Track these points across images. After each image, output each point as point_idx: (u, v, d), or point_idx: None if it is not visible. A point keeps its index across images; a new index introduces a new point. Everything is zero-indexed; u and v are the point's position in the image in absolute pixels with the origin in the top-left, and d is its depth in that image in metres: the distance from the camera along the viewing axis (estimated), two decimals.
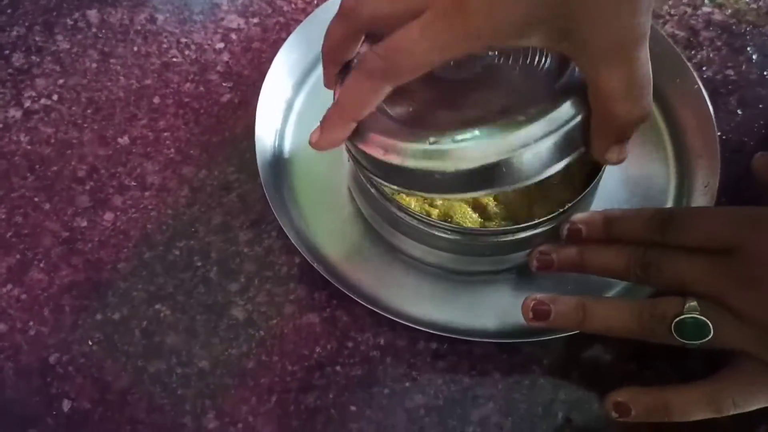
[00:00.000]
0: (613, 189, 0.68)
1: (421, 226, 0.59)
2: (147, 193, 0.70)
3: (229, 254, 0.63)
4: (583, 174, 0.63)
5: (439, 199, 0.64)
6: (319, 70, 0.74)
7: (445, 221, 0.60)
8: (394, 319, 0.60)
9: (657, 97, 0.65)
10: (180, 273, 0.65)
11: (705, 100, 0.69)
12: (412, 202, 0.63)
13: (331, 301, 0.63)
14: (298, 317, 0.63)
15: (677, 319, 0.46)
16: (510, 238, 0.59)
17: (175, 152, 0.73)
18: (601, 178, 0.58)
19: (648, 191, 0.70)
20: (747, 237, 0.46)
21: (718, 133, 0.68)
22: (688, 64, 0.71)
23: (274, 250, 0.66)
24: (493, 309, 0.63)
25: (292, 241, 0.62)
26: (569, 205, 0.58)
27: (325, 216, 0.68)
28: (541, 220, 0.58)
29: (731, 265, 0.46)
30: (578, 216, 0.56)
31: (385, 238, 0.66)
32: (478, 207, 0.64)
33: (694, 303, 0.46)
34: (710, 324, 0.45)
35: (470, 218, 0.63)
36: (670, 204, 0.68)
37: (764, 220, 0.47)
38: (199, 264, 0.65)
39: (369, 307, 0.57)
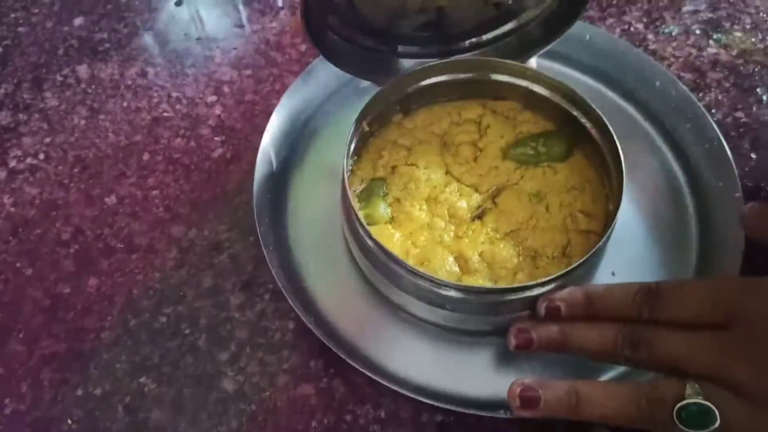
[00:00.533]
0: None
1: (421, 282, 0.55)
2: (134, 256, 0.67)
3: (219, 320, 0.60)
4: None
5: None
6: (317, 124, 0.72)
7: (429, 275, 0.56)
8: (397, 389, 0.55)
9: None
10: (167, 341, 0.61)
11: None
12: (396, 235, 0.61)
13: (328, 370, 0.59)
14: (292, 388, 0.59)
15: (679, 405, 0.41)
16: (520, 296, 0.55)
17: (163, 211, 0.70)
18: (603, 247, 0.56)
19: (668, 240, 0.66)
20: (748, 306, 0.42)
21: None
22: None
23: (267, 314, 0.62)
24: (503, 375, 0.59)
25: (289, 301, 0.58)
26: (587, 256, 0.54)
27: (323, 275, 0.65)
28: (558, 274, 0.54)
29: (733, 339, 0.42)
30: (558, 293, 0.52)
31: (385, 295, 0.63)
32: (460, 258, 0.61)
33: (695, 386, 0.41)
34: (715, 410, 0.41)
35: (448, 267, 0.60)
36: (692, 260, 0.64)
37: (765, 287, 0.43)
38: (187, 332, 0.62)
39: (369, 375, 0.53)
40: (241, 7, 0.87)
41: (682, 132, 0.71)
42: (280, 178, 0.69)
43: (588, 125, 0.65)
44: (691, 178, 0.69)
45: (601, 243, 0.56)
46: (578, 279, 0.58)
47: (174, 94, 0.78)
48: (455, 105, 0.72)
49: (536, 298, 0.56)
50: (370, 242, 0.57)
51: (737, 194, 0.64)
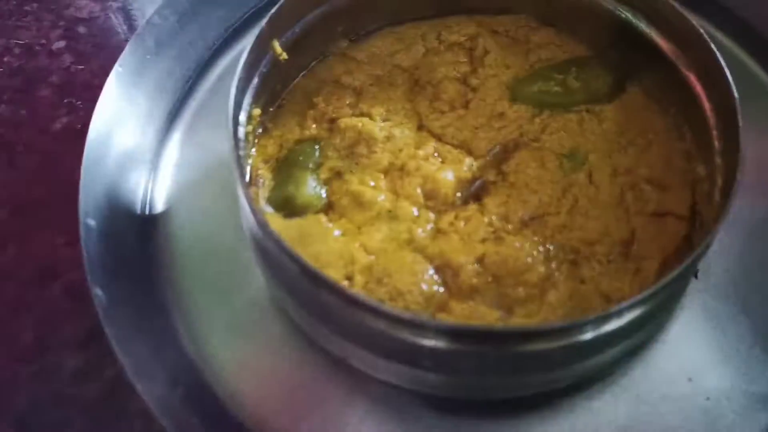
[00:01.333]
0: None
1: (371, 322, 0.30)
2: None
3: (43, 400, 0.36)
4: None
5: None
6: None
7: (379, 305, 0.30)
8: None
9: None
10: None
11: None
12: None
13: None
14: None
15: None
16: (558, 343, 0.29)
17: None
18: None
19: None
20: None
21: None
22: None
23: (120, 388, 0.36)
24: None
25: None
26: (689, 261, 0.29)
27: (217, 317, 0.38)
28: (637, 299, 0.28)
29: None
30: None
31: (318, 343, 0.37)
32: (445, 268, 0.35)
33: None
34: None
35: (424, 286, 0.35)
36: None
37: None
38: None
39: None
40: None
41: None
42: (147, 157, 0.43)
43: (655, 36, 0.39)
44: None
45: (715, 232, 0.30)
46: (665, 301, 0.33)
47: (1, 41, 0.52)
48: (432, 23, 0.46)
49: (590, 343, 0.29)
50: (274, 247, 0.31)
51: None
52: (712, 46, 0.35)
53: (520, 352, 0.30)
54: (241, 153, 0.35)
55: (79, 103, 0.49)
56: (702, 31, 0.36)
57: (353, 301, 0.29)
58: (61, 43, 0.52)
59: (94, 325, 0.38)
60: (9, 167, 0.46)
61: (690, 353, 0.36)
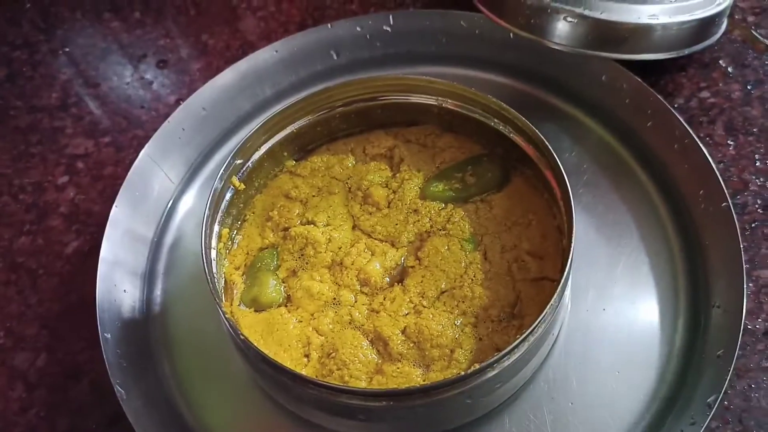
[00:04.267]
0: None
1: (313, 391, 0.42)
2: None
3: None
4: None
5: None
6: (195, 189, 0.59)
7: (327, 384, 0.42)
8: None
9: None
10: None
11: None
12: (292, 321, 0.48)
13: None
14: None
15: None
16: (458, 390, 0.41)
17: (4, 336, 0.55)
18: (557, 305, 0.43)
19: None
20: None
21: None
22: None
23: None
24: None
25: None
26: (542, 315, 0.41)
27: (210, 394, 0.50)
28: (510, 348, 0.41)
29: None
30: None
31: (290, 410, 0.48)
32: (378, 340, 0.47)
33: None
34: None
35: (363, 356, 0.47)
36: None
37: None
38: None
39: None
40: (98, 61, 0.73)
41: (643, 132, 0.58)
42: (140, 272, 0.55)
43: (522, 143, 0.52)
44: (664, 188, 0.56)
45: (555, 296, 0.42)
46: (538, 345, 0.45)
47: (16, 182, 0.64)
48: (358, 139, 0.58)
49: (486, 384, 0.41)
50: (240, 341, 0.43)
51: (723, 204, 0.50)
52: (554, 155, 0.48)
53: (434, 400, 0.42)
54: (215, 273, 0.47)
55: (84, 228, 0.61)
56: (547, 143, 0.49)
57: (304, 381, 0.41)
58: (65, 178, 0.64)
59: (116, 412, 0.50)
60: (33, 290, 0.58)
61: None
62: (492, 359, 0.41)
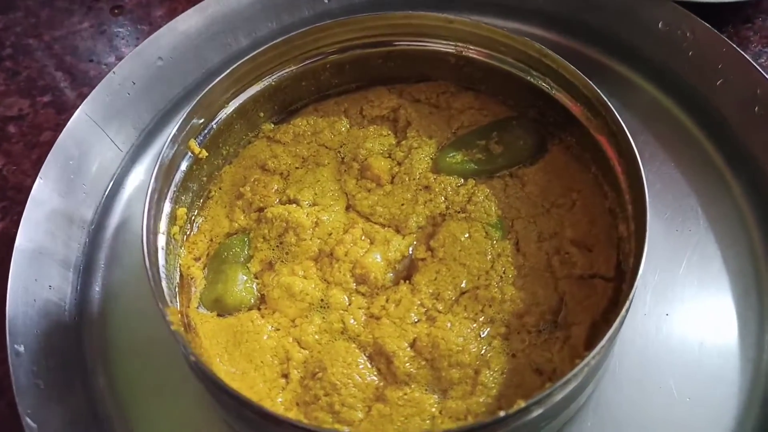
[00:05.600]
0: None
1: None
2: None
3: None
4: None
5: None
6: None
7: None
8: None
9: None
10: None
11: None
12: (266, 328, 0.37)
13: None
14: None
15: None
16: None
17: None
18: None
19: None
20: None
21: None
22: None
23: None
24: None
25: None
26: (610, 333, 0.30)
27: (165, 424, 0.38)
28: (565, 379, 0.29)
29: None
30: None
31: None
32: (379, 356, 0.37)
33: None
34: None
35: (358, 378, 0.36)
36: None
37: None
38: None
39: None
40: (39, 7, 0.61)
41: (711, 92, 0.46)
42: (74, 263, 0.43)
43: (567, 100, 0.40)
44: (737, 162, 0.45)
45: (630, 300, 0.31)
46: (596, 369, 0.33)
47: None
48: (355, 97, 0.47)
49: (526, 426, 0.30)
50: (191, 363, 0.32)
51: None
52: (616, 115, 0.37)
53: None
54: (163, 265, 0.36)
55: (12, 206, 0.49)
56: (606, 99, 0.37)
57: (278, 422, 0.30)
58: None
59: None
60: None
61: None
62: (543, 393, 0.29)
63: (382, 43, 0.44)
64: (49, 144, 0.52)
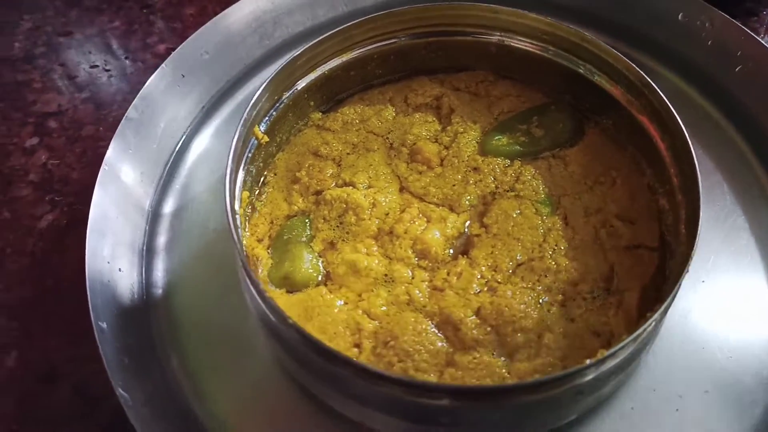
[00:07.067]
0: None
1: (386, 388, 0.33)
2: None
3: None
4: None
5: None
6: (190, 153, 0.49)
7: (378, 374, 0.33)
8: None
9: None
10: None
11: None
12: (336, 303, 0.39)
13: None
14: None
15: None
16: (561, 388, 0.33)
17: None
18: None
19: None
20: None
21: None
22: None
23: None
24: None
25: None
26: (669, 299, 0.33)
27: (229, 392, 0.40)
28: (624, 342, 0.32)
29: None
30: None
31: (336, 410, 0.39)
32: (446, 324, 0.39)
33: None
34: None
35: (429, 344, 0.38)
36: None
37: None
38: None
39: None
40: (68, 7, 0.63)
41: (729, 80, 0.50)
42: (137, 246, 0.45)
43: (604, 83, 0.44)
44: (758, 144, 0.48)
45: (688, 265, 0.34)
46: (652, 333, 0.36)
47: None
48: (398, 87, 0.50)
49: (591, 384, 0.33)
50: (285, 329, 0.34)
51: None
52: (662, 94, 0.40)
53: (528, 402, 0.33)
54: (243, 241, 0.38)
55: (61, 199, 0.51)
56: (650, 80, 0.41)
57: (368, 374, 0.32)
58: (34, 140, 0.54)
59: (107, 424, 0.40)
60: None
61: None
62: (621, 344, 0.32)
63: (427, 33, 0.47)
64: (92, 138, 0.54)
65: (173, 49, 0.57)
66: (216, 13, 0.60)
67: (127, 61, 0.59)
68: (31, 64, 0.59)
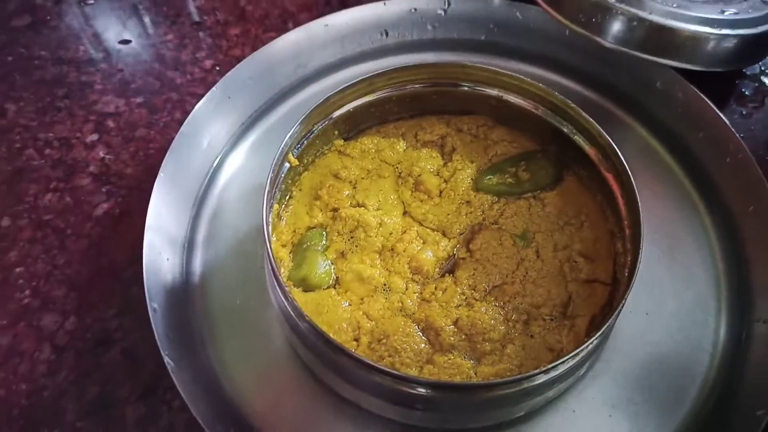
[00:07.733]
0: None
1: (376, 377, 0.42)
2: None
3: None
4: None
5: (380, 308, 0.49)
6: (230, 164, 0.58)
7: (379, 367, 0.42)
8: None
9: None
10: None
11: None
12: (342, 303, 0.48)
13: None
14: None
15: None
16: (514, 389, 0.42)
17: (31, 295, 0.54)
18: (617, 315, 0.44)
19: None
20: None
21: None
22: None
23: (178, 430, 0.47)
24: None
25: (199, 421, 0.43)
26: (609, 323, 0.42)
27: (250, 368, 0.50)
28: (570, 355, 0.41)
29: None
30: None
31: (334, 390, 0.48)
32: (429, 329, 0.48)
33: None
34: None
35: (413, 344, 0.47)
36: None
37: None
38: None
39: None
40: (128, 17, 0.72)
41: (693, 142, 0.59)
42: (180, 241, 0.54)
43: (581, 142, 0.53)
44: (710, 200, 0.57)
45: (624, 301, 0.43)
46: (592, 351, 0.46)
47: (41, 135, 0.62)
48: (410, 124, 0.58)
49: (539, 387, 0.42)
50: (301, 323, 0.43)
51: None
52: (623, 160, 0.49)
53: (488, 397, 0.43)
54: (273, 247, 0.47)
55: (115, 190, 0.60)
56: (616, 147, 0.49)
57: (363, 364, 0.41)
58: (95, 136, 0.63)
59: (148, 385, 0.50)
60: (61, 251, 0.57)
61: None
62: (563, 359, 0.41)
63: (438, 83, 0.56)
64: (144, 140, 0.63)
65: (218, 65, 0.66)
66: (257, 36, 0.69)
67: (177, 72, 0.67)
68: (94, 67, 0.68)
